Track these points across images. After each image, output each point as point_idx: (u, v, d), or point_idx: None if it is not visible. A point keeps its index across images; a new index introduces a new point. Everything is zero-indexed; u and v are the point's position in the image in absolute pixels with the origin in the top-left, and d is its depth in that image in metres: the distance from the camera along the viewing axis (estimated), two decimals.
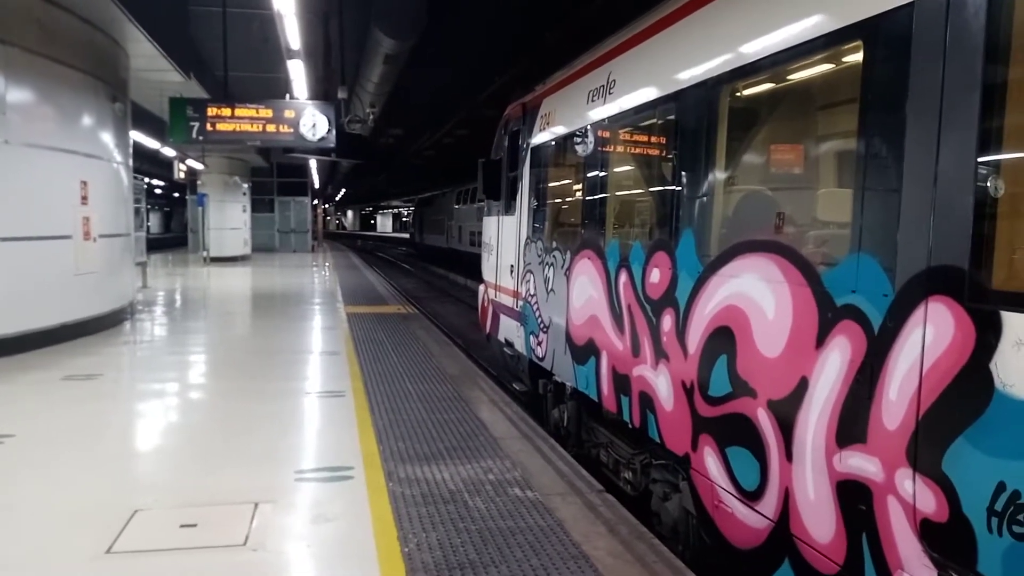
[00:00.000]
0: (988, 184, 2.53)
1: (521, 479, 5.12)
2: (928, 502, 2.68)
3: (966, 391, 2.53)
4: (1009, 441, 2.39)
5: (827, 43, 3.33)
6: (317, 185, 46.28)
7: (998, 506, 2.41)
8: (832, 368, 3.19)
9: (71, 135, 10.17)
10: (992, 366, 2.44)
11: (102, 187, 11.00)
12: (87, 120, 10.59)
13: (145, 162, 28.82)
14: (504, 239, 8.89)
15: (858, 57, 3.17)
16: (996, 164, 2.54)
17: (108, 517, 4.30)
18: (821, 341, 3.26)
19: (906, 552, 2.81)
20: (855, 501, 3.07)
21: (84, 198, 10.36)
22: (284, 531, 4.21)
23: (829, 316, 3.22)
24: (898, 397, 2.82)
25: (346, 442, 5.85)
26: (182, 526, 4.22)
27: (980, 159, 2.54)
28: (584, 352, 6.14)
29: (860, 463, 3.03)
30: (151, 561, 3.82)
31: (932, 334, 2.67)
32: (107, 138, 11.26)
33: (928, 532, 2.70)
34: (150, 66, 12.35)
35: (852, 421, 3.07)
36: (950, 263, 2.61)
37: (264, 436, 6.06)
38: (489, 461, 5.49)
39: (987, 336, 2.46)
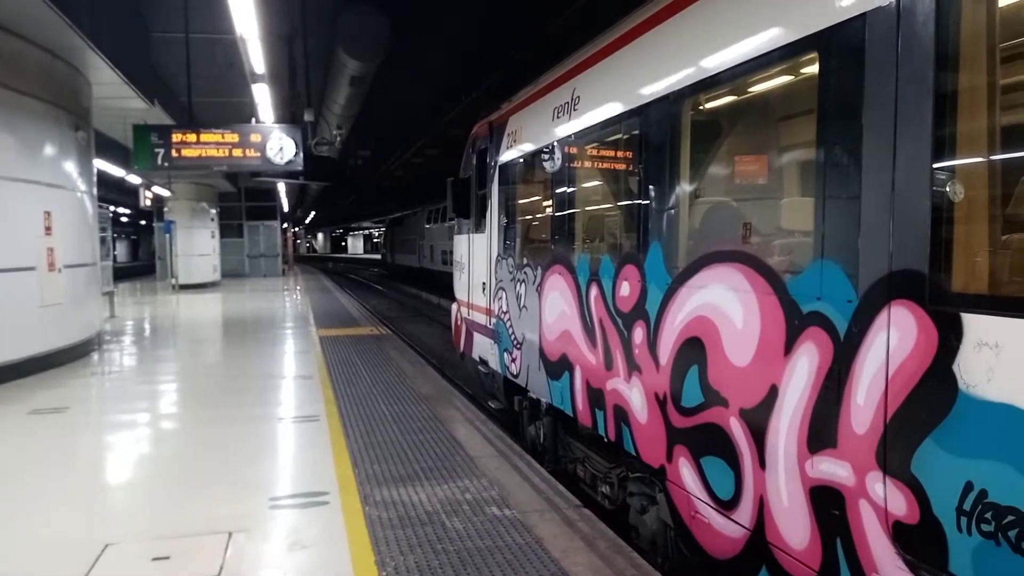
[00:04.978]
0: (944, 189, 2.59)
1: (498, 497, 5.10)
2: (899, 504, 2.71)
3: (931, 393, 2.57)
4: (974, 441, 2.43)
5: (784, 55, 3.39)
6: (286, 208, 45.95)
7: (966, 506, 2.44)
8: (800, 375, 3.22)
9: (33, 165, 10.02)
10: (955, 367, 2.48)
11: (66, 217, 10.84)
12: (50, 150, 10.44)
13: (111, 190, 28.51)
14: (475, 257, 8.89)
15: (814, 68, 3.23)
16: (951, 169, 2.60)
17: (78, 552, 4.21)
18: (789, 349, 3.30)
19: (880, 555, 2.83)
20: (828, 506, 3.09)
21: (48, 228, 10.20)
22: (259, 560, 4.15)
23: (796, 323, 3.26)
24: (866, 401, 2.85)
25: (321, 467, 5.79)
26: (154, 559, 4.14)
27: (935, 165, 2.59)
28: (558, 367, 6.14)
29: (831, 468, 3.05)
30: None
31: (896, 338, 2.71)
32: (71, 167, 11.11)
33: (900, 534, 2.73)
34: (113, 94, 12.25)
35: (822, 427, 3.10)
36: (911, 267, 2.66)
37: (237, 464, 5.98)
38: (466, 480, 5.46)
39: (949, 338, 2.50)
